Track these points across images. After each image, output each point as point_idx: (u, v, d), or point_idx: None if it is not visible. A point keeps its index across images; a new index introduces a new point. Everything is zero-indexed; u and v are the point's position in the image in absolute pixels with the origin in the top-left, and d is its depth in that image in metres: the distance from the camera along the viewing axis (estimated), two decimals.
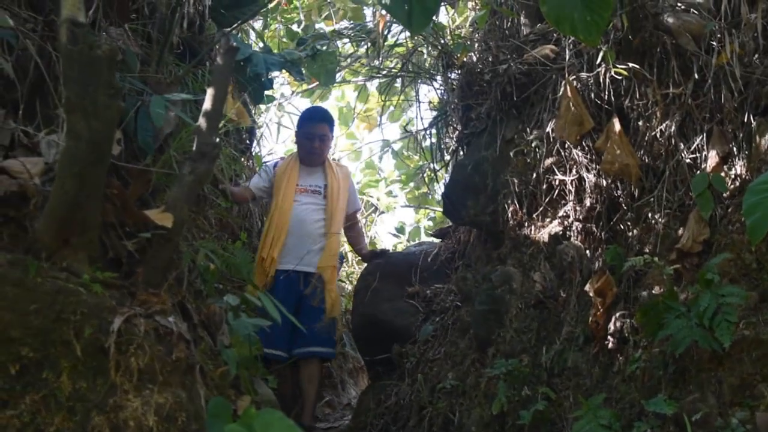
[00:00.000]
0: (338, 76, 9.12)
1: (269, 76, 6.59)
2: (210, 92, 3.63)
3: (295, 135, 7.58)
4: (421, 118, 8.47)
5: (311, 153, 7.24)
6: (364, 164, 12.41)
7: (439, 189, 9.89)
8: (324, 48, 7.27)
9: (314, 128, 7.25)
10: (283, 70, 6.92)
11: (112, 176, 3.66)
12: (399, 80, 8.85)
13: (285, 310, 4.41)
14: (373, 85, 10.36)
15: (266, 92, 6.99)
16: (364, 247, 8.15)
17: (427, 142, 9.44)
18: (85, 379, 3.14)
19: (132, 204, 3.60)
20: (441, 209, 9.59)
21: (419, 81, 8.48)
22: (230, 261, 5.11)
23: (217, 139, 3.65)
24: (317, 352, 6.93)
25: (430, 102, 8.68)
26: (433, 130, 8.09)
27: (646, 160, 4.76)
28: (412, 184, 11.20)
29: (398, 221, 13.48)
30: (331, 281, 7.04)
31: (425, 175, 10.09)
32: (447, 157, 7.78)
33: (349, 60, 9.45)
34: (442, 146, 7.95)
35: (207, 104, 3.61)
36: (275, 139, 21.08)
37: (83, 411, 3.11)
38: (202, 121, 3.60)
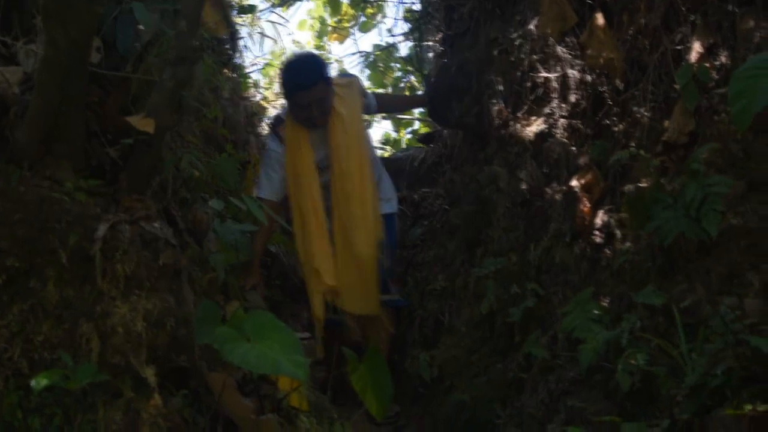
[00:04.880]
0: None
1: None
2: None
3: (284, 98, 6.08)
4: (404, 20, 8.29)
5: (312, 121, 5.77)
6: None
7: None
8: None
9: (308, 95, 5.67)
10: None
11: (93, 84, 3.63)
12: None
13: None
14: None
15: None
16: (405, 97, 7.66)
17: (404, 52, 9.38)
18: (72, 287, 3.15)
19: (113, 111, 3.57)
20: (420, 118, 9.58)
21: None
22: (215, 169, 5.09)
23: (197, 44, 3.61)
24: (387, 302, 5.87)
25: (406, 11, 8.56)
26: (411, 41, 8.03)
27: (631, 54, 4.72)
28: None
29: (381, 133, 13.43)
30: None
31: (404, 85, 10.03)
32: (427, 65, 7.72)
33: None
34: (423, 53, 7.89)
35: (186, 8, 3.57)
36: (258, 49, 20.91)
37: (71, 319, 3.12)
38: (181, 25, 3.55)
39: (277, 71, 6.84)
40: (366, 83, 9.76)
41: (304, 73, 5.73)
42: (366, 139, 6.02)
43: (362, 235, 5.68)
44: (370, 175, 5.85)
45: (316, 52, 10.22)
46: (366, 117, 6.84)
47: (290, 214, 5.84)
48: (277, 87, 6.27)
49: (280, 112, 6.26)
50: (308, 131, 5.79)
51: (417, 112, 9.85)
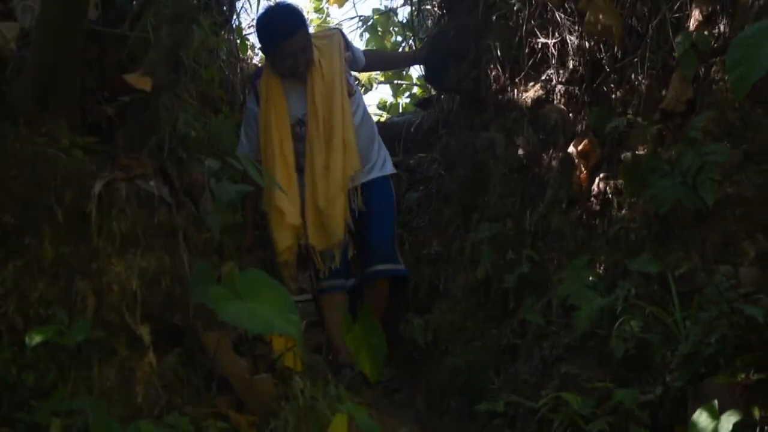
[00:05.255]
0: None
1: None
2: None
3: (264, 51, 6.06)
4: None
5: (295, 71, 5.60)
6: None
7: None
8: None
9: (293, 44, 5.51)
10: None
11: (90, 41, 3.60)
12: None
13: None
14: None
15: None
16: (404, 54, 7.43)
17: (403, 17, 9.34)
18: (68, 244, 3.14)
19: (110, 68, 3.55)
20: (418, 83, 9.54)
21: None
22: (212, 130, 5.07)
23: (194, 1, 3.59)
24: (388, 271, 5.72)
25: None
26: (410, 6, 7.98)
27: (629, 21, 4.70)
28: None
29: (379, 98, 13.38)
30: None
31: (403, 49, 9.99)
32: (426, 30, 7.68)
33: None
34: (421, 18, 7.86)
35: None
36: (256, 11, 20.79)
37: (67, 276, 3.11)
38: None
39: (254, 24, 6.45)
40: (364, 46, 9.72)
41: (284, 22, 5.60)
42: (344, 89, 5.72)
43: (336, 174, 5.55)
44: (350, 123, 5.66)
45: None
46: (358, 75, 6.73)
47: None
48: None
49: (261, 66, 6.15)
50: (285, 85, 5.68)
51: (415, 77, 9.82)
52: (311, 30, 6.19)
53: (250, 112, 5.81)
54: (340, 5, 10.84)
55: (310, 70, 5.61)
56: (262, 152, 5.63)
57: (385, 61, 7.23)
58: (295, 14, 5.74)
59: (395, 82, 9.95)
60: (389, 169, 5.96)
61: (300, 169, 5.65)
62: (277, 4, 6.08)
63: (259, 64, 8.59)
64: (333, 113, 5.58)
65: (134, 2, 4.06)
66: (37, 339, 2.87)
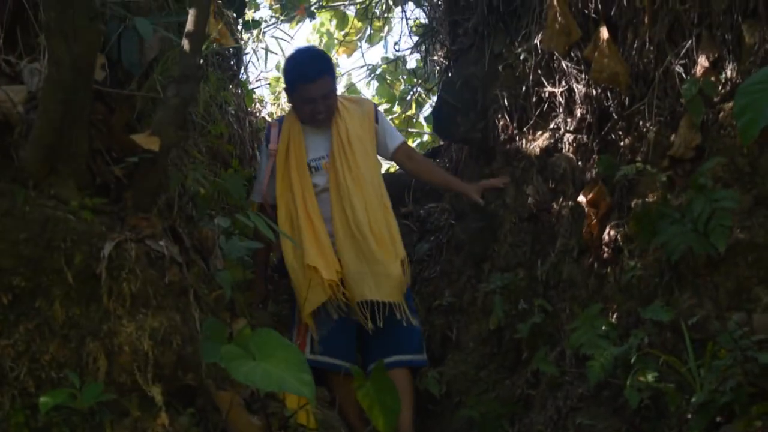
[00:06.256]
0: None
1: None
2: (192, 13, 3.59)
3: (287, 94, 5.56)
4: (410, 34, 8.23)
5: (315, 118, 5.24)
6: (347, 90, 12.19)
7: (427, 112, 9.85)
8: None
9: (312, 89, 5.16)
10: None
11: (98, 102, 3.63)
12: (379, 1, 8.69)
13: None
14: (351, 11, 10.26)
15: (248, 15, 6.80)
16: (446, 174, 6.10)
17: (411, 65, 9.36)
18: (78, 306, 3.15)
19: (118, 129, 3.57)
20: (428, 131, 9.56)
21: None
22: (221, 186, 5.08)
23: (201, 61, 3.61)
24: (409, 362, 5.17)
25: (413, 25, 8.56)
26: (418, 54, 8.01)
27: (636, 68, 4.71)
28: (397, 108, 11.03)
29: None
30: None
31: (411, 98, 10.01)
32: (434, 78, 7.71)
33: None
34: (429, 67, 7.89)
35: (189, 25, 3.58)
36: (263, 65, 20.92)
37: (77, 338, 3.12)
38: (185, 43, 3.56)
39: (282, 66, 5.89)
40: (373, 95, 9.70)
41: (309, 65, 5.26)
42: (375, 158, 5.42)
43: (380, 231, 5.10)
44: (382, 183, 5.29)
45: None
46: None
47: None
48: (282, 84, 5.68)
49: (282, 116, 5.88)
50: (305, 131, 5.31)
51: (425, 124, 9.84)
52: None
53: (260, 154, 5.60)
54: (349, 55, 10.93)
55: (333, 121, 5.28)
56: (280, 199, 5.25)
57: (423, 165, 5.95)
58: (321, 59, 5.43)
59: (407, 129, 9.96)
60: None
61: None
62: (305, 48, 5.86)
63: (267, 118, 8.65)
64: (360, 168, 5.19)
65: (141, 61, 4.08)
66: (50, 403, 2.87)
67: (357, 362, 4.92)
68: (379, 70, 10.28)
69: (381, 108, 6.28)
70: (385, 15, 9.67)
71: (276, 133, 5.38)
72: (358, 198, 5.09)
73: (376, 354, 4.91)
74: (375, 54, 22.27)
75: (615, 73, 4.69)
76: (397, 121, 10.13)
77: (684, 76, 4.42)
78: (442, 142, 7.64)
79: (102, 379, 3.09)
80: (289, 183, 5.20)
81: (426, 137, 10.02)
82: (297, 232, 5.09)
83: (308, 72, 5.20)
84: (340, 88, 10.88)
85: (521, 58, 5.48)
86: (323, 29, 11.32)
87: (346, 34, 10.75)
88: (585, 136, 5.04)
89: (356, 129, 5.31)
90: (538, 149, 5.32)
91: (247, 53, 8.31)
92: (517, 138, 5.52)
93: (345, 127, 5.27)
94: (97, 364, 3.10)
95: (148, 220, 3.43)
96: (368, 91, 9.55)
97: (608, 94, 4.89)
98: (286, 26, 10.04)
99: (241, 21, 7.11)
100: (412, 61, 10.00)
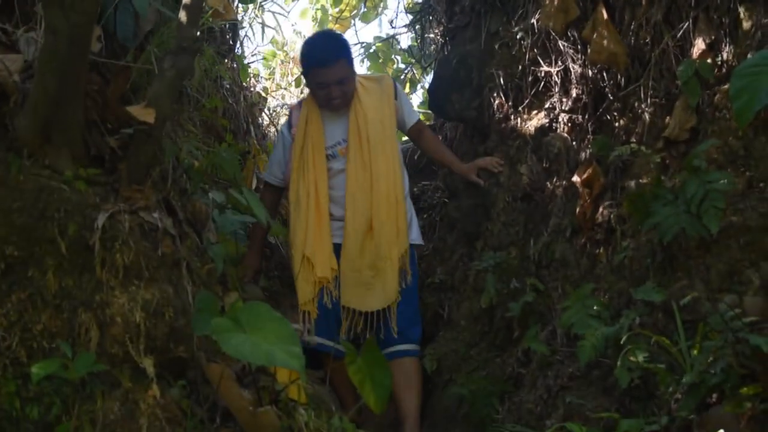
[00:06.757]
0: None
1: None
2: None
3: (304, 78, 5.49)
4: (405, 12, 8.19)
5: (331, 103, 5.21)
6: None
7: (421, 90, 9.84)
8: None
9: (327, 74, 5.12)
10: None
11: (93, 73, 3.62)
12: None
13: None
14: None
15: None
16: (450, 155, 5.91)
17: (405, 44, 9.33)
18: (71, 276, 3.16)
19: (114, 100, 3.56)
20: (421, 110, 9.55)
21: None
22: (216, 160, 5.07)
23: (198, 33, 3.60)
24: (407, 352, 5.22)
25: (408, 3, 8.54)
26: (413, 33, 7.99)
27: (632, 49, 4.71)
28: None
29: None
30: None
31: (405, 77, 9.99)
32: (429, 57, 7.69)
33: None
34: (424, 45, 7.87)
35: None
36: (260, 39, 20.84)
37: (70, 308, 3.12)
38: (182, 15, 3.55)
39: (299, 50, 5.91)
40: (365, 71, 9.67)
41: (324, 50, 5.22)
42: (393, 138, 5.36)
43: (386, 228, 5.11)
44: (397, 169, 5.27)
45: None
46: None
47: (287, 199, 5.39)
48: (297, 65, 5.48)
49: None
50: (323, 116, 5.29)
51: (418, 103, 9.82)
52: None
53: (280, 136, 5.59)
54: (343, 32, 10.88)
55: (351, 106, 5.27)
56: (292, 184, 5.27)
57: (430, 143, 5.91)
58: (336, 43, 5.39)
59: None
60: (417, 237, 5.48)
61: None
62: (322, 32, 5.95)
63: (262, 93, 8.63)
64: (375, 159, 5.19)
65: (136, 33, 4.07)
66: (41, 373, 2.88)
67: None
68: (372, 48, 10.23)
69: None
70: None
71: (297, 116, 5.38)
72: (369, 190, 5.14)
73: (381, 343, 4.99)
74: (369, 33, 22.17)
75: (613, 53, 4.69)
76: None
77: (680, 58, 4.42)
78: (434, 121, 7.62)
79: (94, 349, 3.10)
80: (303, 168, 5.22)
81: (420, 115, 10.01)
82: (303, 220, 5.13)
83: (322, 56, 5.16)
84: None
85: (518, 37, 5.46)
86: (318, 5, 11.30)
87: (341, 11, 10.71)
88: (580, 116, 5.03)
89: (375, 111, 5.28)
90: (532, 128, 5.32)
91: (243, 27, 8.28)
92: (512, 117, 5.51)
93: (363, 112, 5.25)
94: (89, 335, 3.11)
95: (141, 192, 3.43)
96: (361, 69, 9.47)
97: (604, 74, 4.88)
98: (282, 1, 9.99)
99: None
100: (406, 41, 9.95)
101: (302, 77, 5.66)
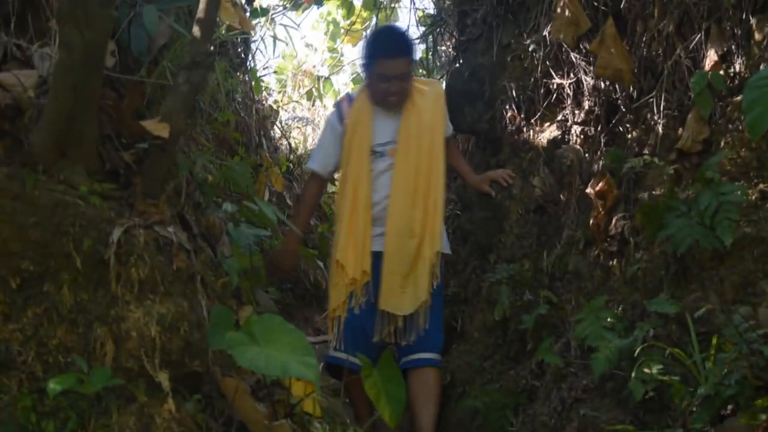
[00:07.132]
0: None
1: None
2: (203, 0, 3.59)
3: (364, 68, 5.39)
4: (417, 25, 8.18)
5: (386, 99, 5.13)
6: (352, 79, 12.07)
7: None
8: None
9: (392, 66, 5.02)
10: None
11: (108, 88, 3.63)
12: None
13: None
14: (358, 1, 10.24)
15: (257, 2, 6.78)
16: (466, 165, 5.89)
17: (416, 56, 9.33)
18: (86, 291, 3.16)
19: (128, 115, 3.57)
20: None
21: None
22: (228, 174, 5.08)
23: (212, 48, 3.61)
24: (430, 360, 5.01)
25: (420, 15, 8.53)
26: (423, 45, 7.98)
27: (644, 61, 4.72)
28: None
29: None
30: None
31: None
32: (440, 69, 7.69)
33: None
34: (437, 57, 7.87)
35: (200, 12, 3.57)
36: (271, 53, 20.85)
37: (85, 323, 3.12)
38: (195, 30, 3.56)
39: (365, 40, 5.67)
40: None
41: (392, 41, 5.20)
42: (442, 144, 5.21)
43: (426, 232, 5.03)
44: (441, 175, 5.14)
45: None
46: None
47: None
48: (361, 55, 5.33)
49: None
50: (374, 113, 5.17)
51: None
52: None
53: (328, 126, 5.43)
54: (354, 44, 10.90)
55: (405, 106, 5.15)
56: (340, 181, 5.34)
57: (454, 153, 5.77)
58: (406, 38, 5.38)
59: None
60: (446, 246, 5.30)
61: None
62: (393, 25, 5.75)
63: (274, 107, 8.64)
64: (425, 163, 5.10)
65: (150, 48, 4.09)
66: (57, 388, 2.88)
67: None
68: None
69: None
70: (393, 5, 9.63)
71: (347, 108, 5.28)
72: (414, 194, 5.05)
73: (404, 350, 4.98)
74: None
75: (619, 69, 4.69)
76: None
77: (692, 70, 4.43)
78: None
79: (109, 364, 3.10)
80: (347, 165, 5.18)
81: None
82: (345, 224, 5.07)
83: (389, 47, 5.11)
84: (346, 78, 10.85)
85: (530, 49, 5.48)
86: (330, 18, 11.31)
87: (352, 23, 10.71)
88: (592, 128, 5.05)
89: (428, 116, 5.18)
90: (545, 140, 5.33)
91: (255, 41, 8.29)
92: (525, 129, 5.52)
93: (417, 114, 5.15)
94: (105, 350, 3.11)
95: (156, 207, 3.43)
96: None
97: (616, 86, 4.90)
98: (292, 14, 9.99)
99: (249, 8, 7.09)
100: (417, 53, 9.95)
101: (362, 69, 5.45)
